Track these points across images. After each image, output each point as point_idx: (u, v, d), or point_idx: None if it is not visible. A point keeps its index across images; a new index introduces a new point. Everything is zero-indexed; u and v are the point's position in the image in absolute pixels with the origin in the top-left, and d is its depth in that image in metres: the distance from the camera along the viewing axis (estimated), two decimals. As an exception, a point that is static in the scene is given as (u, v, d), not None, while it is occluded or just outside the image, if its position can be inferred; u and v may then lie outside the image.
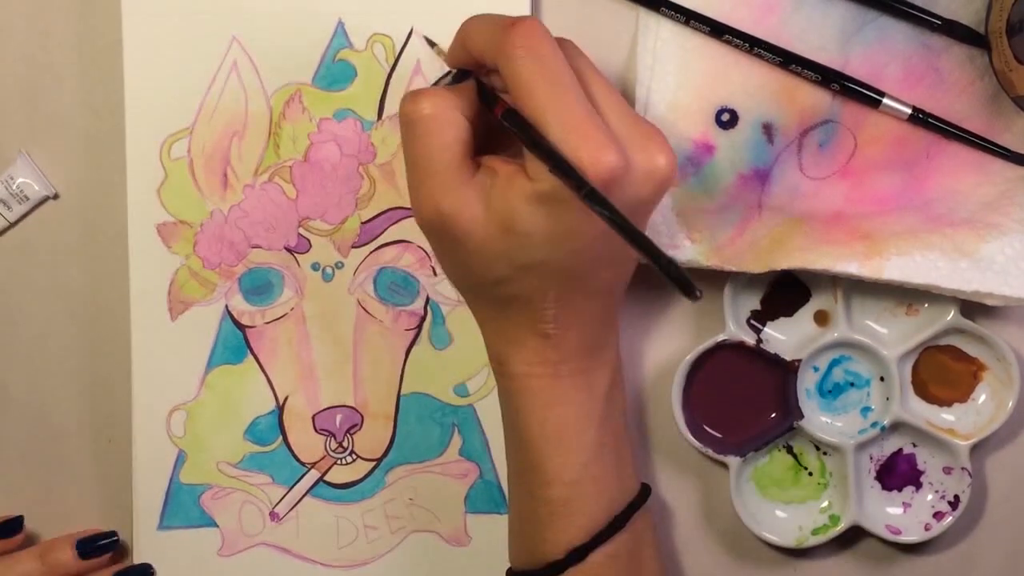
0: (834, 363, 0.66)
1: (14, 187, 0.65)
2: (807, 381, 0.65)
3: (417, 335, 0.65)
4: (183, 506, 0.65)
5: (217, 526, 0.65)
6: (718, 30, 0.62)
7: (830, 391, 0.66)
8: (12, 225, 0.66)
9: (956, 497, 0.64)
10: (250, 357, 0.65)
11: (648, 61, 0.63)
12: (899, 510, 0.65)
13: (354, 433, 0.65)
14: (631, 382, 0.65)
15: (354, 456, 0.65)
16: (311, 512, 0.65)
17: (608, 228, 0.49)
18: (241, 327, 0.64)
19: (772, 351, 0.64)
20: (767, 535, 0.64)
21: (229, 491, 0.65)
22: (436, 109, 0.54)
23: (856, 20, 0.63)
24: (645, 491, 0.61)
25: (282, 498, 0.65)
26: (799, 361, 0.64)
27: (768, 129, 0.64)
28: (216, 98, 0.63)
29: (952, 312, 0.63)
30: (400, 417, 0.65)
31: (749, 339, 0.64)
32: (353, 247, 0.64)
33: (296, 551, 0.65)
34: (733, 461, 0.64)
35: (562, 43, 0.55)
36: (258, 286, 0.64)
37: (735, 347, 0.65)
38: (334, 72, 0.63)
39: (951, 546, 0.66)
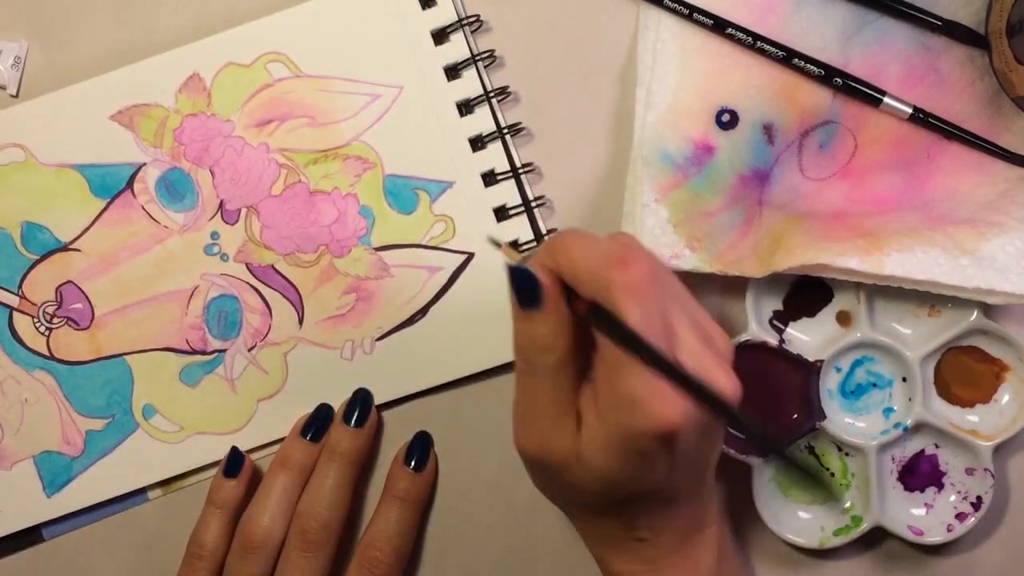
0: (856, 364, 0.65)
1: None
2: (829, 382, 0.65)
3: (185, 353, 0.66)
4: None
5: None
6: (720, 25, 0.63)
7: (852, 392, 0.65)
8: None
9: (979, 498, 0.64)
10: None
11: (648, 61, 0.63)
12: (921, 511, 0.65)
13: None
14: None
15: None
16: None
17: (686, 458, 0.53)
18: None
19: (794, 351, 0.64)
20: (789, 536, 0.64)
21: None
22: (561, 353, 0.53)
23: (856, 21, 0.63)
24: None
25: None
26: (821, 362, 0.64)
27: (768, 130, 0.64)
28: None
29: (975, 313, 0.63)
30: (97, 366, 0.66)
31: (772, 339, 0.64)
32: (247, 264, 0.65)
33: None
34: (755, 462, 0.64)
35: (656, 274, 0.53)
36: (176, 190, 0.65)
37: (758, 347, 0.65)
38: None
39: (973, 547, 0.66)
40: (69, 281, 0.65)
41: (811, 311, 0.66)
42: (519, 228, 0.65)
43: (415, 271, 0.65)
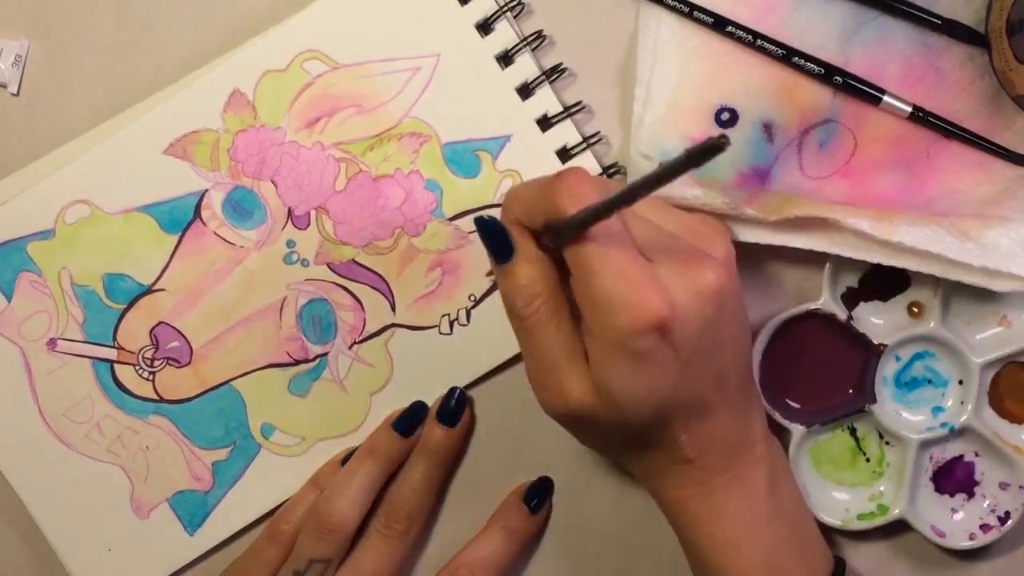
0: (917, 356, 0.65)
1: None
2: (886, 368, 0.65)
3: (289, 365, 0.66)
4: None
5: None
6: (721, 23, 0.62)
7: (907, 383, 0.65)
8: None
9: (1007, 513, 0.64)
10: None
11: (648, 60, 0.63)
12: (947, 514, 0.65)
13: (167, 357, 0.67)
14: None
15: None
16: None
17: (693, 352, 0.53)
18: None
19: (860, 330, 0.64)
20: (814, 511, 0.64)
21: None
22: (547, 295, 0.55)
23: (856, 19, 0.63)
24: (840, 567, 0.61)
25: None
26: (885, 346, 0.64)
27: (768, 128, 0.63)
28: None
29: (1047, 329, 0.62)
30: (208, 398, 0.67)
31: (841, 313, 0.64)
32: (328, 265, 0.65)
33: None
34: (797, 429, 0.65)
35: (593, 178, 0.55)
36: (243, 208, 0.66)
37: (825, 318, 0.64)
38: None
39: (991, 558, 0.66)
40: (161, 322, 0.66)
41: (885, 295, 0.65)
42: (586, 166, 0.64)
43: None
